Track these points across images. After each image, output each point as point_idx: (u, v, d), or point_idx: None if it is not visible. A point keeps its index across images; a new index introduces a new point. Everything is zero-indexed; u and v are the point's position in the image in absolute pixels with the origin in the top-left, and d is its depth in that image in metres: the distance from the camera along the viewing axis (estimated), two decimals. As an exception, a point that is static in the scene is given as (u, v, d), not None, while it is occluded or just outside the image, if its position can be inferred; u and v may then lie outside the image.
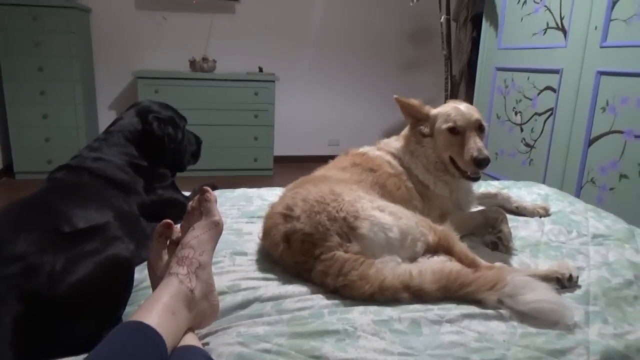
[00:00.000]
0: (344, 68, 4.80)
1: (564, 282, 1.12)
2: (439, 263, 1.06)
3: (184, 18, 4.35)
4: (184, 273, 0.85)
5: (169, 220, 1.00)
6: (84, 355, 0.82)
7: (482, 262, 1.15)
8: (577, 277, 1.15)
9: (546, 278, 1.11)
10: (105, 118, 4.40)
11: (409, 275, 1.03)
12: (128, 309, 1.01)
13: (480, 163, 1.34)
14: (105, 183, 1.28)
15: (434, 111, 1.49)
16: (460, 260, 1.14)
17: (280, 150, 4.62)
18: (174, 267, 0.86)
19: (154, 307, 0.76)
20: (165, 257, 0.97)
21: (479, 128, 1.42)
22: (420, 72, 4.92)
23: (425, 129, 1.48)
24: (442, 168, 1.47)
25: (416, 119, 1.51)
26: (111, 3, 4.18)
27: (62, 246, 0.91)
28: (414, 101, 1.50)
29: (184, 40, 4.38)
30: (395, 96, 1.50)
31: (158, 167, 1.49)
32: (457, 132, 1.40)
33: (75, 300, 0.86)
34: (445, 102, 4.00)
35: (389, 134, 5.37)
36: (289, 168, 4.56)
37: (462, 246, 1.18)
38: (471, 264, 1.13)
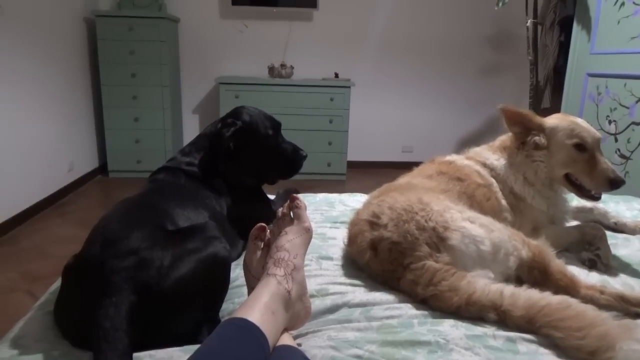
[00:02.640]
0: (420, 74, 4.73)
1: None
2: (539, 294, 0.97)
3: (264, 26, 4.50)
4: (281, 274, 0.88)
5: (263, 224, 1.04)
6: (191, 346, 0.88)
7: (583, 281, 1.08)
8: None
9: None
10: (190, 122, 4.65)
11: (499, 295, 0.98)
12: (224, 305, 1.06)
13: (618, 184, 1.28)
14: (200, 185, 1.35)
15: (549, 122, 1.40)
16: (557, 280, 1.08)
17: (353, 155, 4.63)
18: (272, 268, 0.89)
19: (256, 306, 0.79)
20: (259, 257, 1.00)
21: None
22: (499, 78, 4.74)
23: (542, 140, 1.38)
24: (549, 183, 1.40)
25: (526, 129, 1.42)
26: (198, 13, 4.42)
27: (169, 243, 0.97)
28: (524, 110, 1.43)
29: (263, 47, 4.53)
30: (499, 106, 1.42)
31: (235, 173, 1.43)
32: (583, 149, 1.34)
33: (180, 294, 0.92)
34: (529, 109, 3.82)
35: (465, 140, 5.22)
36: (362, 173, 4.56)
37: (559, 264, 1.12)
38: (569, 284, 1.07)
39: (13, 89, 2.98)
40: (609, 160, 1.33)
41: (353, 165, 4.64)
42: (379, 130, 4.83)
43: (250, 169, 1.46)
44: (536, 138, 1.39)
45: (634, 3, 2.80)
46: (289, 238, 0.97)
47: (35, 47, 3.23)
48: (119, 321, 0.83)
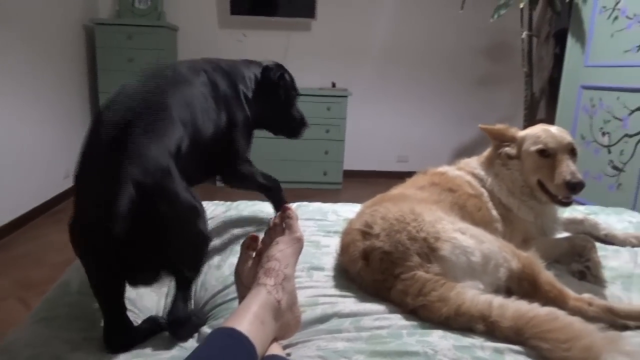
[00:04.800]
0: (416, 84, 4.77)
1: None
2: (528, 305, 0.98)
3: (263, 36, 4.53)
4: (271, 284, 0.89)
5: (255, 234, 1.05)
6: (179, 353, 0.88)
7: (571, 293, 1.09)
8: None
9: None
10: (186, 129, 4.66)
11: (488, 306, 0.98)
12: (214, 322, 1.07)
13: (574, 187, 1.29)
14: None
15: (521, 133, 1.45)
16: (546, 291, 1.08)
17: (349, 164, 4.65)
18: (262, 278, 0.90)
19: (245, 316, 0.80)
20: (250, 267, 1.01)
21: (571, 152, 1.36)
22: (495, 90, 4.78)
23: (512, 151, 1.44)
24: (528, 192, 1.42)
25: (502, 141, 1.48)
26: (197, 22, 4.45)
27: None
28: (500, 126, 1.49)
29: (261, 56, 4.53)
30: (480, 125, 1.50)
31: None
32: (547, 155, 1.36)
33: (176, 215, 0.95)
34: (524, 121, 3.84)
35: (460, 151, 5.24)
36: (358, 182, 4.58)
37: (548, 275, 1.13)
38: (558, 296, 1.07)
39: (10, 95, 2.99)
40: (573, 165, 1.34)
41: (349, 175, 4.65)
42: (375, 140, 4.86)
43: (268, 115, 1.62)
44: (507, 149, 1.45)
45: (627, 17, 2.84)
46: (280, 248, 0.98)
47: (34, 54, 3.25)
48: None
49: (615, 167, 2.87)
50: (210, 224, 1.61)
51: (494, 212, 1.42)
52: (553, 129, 1.41)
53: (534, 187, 1.41)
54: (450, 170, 1.53)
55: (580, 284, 1.27)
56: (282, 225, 1.04)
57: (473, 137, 4.79)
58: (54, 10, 3.52)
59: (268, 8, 4.35)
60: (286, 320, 0.91)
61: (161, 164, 0.95)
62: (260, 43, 4.54)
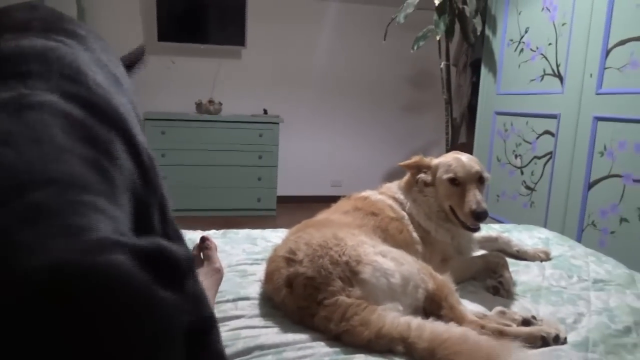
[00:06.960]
0: (347, 111, 4.91)
1: (549, 342, 1.08)
2: (444, 326, 1.02)
3: (192, 62, 4.49)
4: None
5: None
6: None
7: (469, 317, 1.14)
8: (565, 338, 1.11)
9: (531, 337, 1.08)
10: (112, 158, 4.48)
11: (407, 327, 1.01)
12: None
13: (479, 216, 1.38)
14: None
15: (435, 161, 1.54)
16: (446, 313, 1.13)
17: (283, 190, 4.66)
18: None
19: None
20: None
21: (479, 180, 1.46)
22: (421, 115, 5.03)
23: (427, 178, 1.52)
24: (444, 216, 1.50)
25: (419, 170, 1.56)
26: (122, 48, 4.30)
27: None
28: (415, 158, 1.57)
29: (191, 83, 4.51)
30: (399, 164, 1.59)
31: None
32: (457, 183, 1.44)
33: None
34: (446, 145, 4.03)
35: (390, 175, 5.40)
36: (292, 208, 4.58)
37: (454, 299, 1.17)
38: (455, 319, 1.11)
39: None
40: (479, 194, 1.44)
41: (283, 200, 4.66)
42: (308, 165, 4.92)
43: None
44: (422, 176, 1.54)
45: (530, 49, 3.11)
46: (199, 280, 0.96)
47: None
48: None
49: (528, 187, 3.10)
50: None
51: (415, 234, 1.48)
52: (464, 157, 1.50)
53: (447, 212, 1.49)
54: (373, 194, 1.59)
55: (494, 299, 1.34)
56: (200, 256, 1.03)
57: (403, 160, 4.96)
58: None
59: (197, 35, 4.33)
60: None
61: None
62: (190, 69, 4.49)
